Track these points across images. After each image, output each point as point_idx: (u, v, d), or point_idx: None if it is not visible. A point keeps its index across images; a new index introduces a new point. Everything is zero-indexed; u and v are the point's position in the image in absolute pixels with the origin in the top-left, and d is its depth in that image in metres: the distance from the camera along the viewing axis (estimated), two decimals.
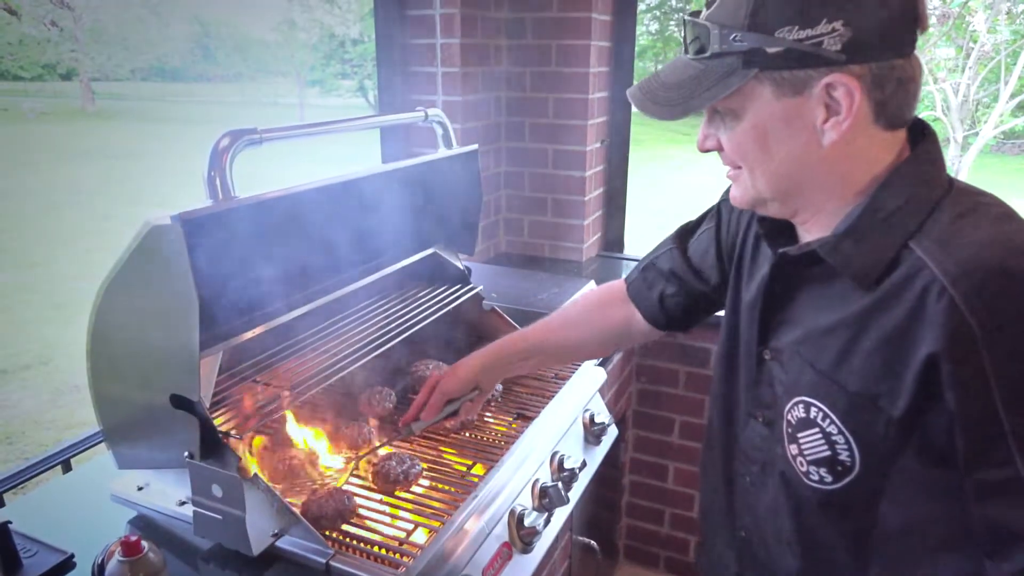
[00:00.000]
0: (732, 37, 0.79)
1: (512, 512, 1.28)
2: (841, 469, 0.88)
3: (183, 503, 1.19)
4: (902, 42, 0.78)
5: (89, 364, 1.14)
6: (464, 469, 1.37)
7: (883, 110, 0.80)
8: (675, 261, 1.22)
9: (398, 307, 1.61)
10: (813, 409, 0.89)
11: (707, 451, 1.17)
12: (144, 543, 0.94)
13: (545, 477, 1.41)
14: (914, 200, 0.81)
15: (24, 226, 9.45)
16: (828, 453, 0.88)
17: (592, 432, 1.63)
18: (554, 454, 1.46)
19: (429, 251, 1.73)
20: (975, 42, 9.32)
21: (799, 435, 0.92)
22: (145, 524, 1.21)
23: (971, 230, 0.77)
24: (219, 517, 1.08)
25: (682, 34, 0.87)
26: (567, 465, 1.45)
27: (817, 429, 0.89)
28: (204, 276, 0.98)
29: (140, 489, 1.25)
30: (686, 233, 1.24)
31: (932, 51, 9.76)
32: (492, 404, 1.57)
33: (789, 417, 0.93)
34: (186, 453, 1.09)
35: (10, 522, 1.06)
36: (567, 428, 1.54)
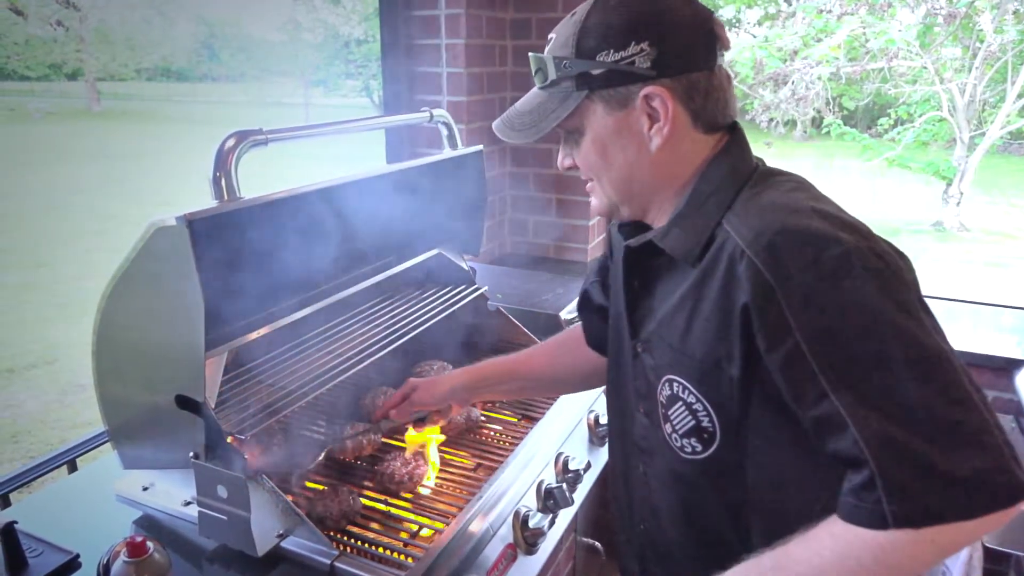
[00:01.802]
0: (563, 65, 0.94)
1: (517, 513, 1.28)
2: (707, 436, 0.95)
3: (188, 503, 1.19)
4: (703, 58, 0.92)
5: (95, 364, 1.15)
6: (469, 470, 1.37)
7: (698, 116, 0.93)
8: (599, 294, 1.25)
9: (403, 308, 1.61)
10: (676, 384, 0.97)
11: (609, 450, 1.22)
12: (150, 544, 0.94)
13: (550, 478, 1.41)
14: (724, 185, 0.94)
15: (30, 226, 9.48)
16: (693, 423, 0.96)
17: (597, 433, 1.63)
18: (558, 455, 1.46)
19: (434, 252, 1.73)
20: (982, 42, 9.28)
21: (669, 412, 0.99)
22: (150, 524, 1.21)
23: (760, 201, 0.89)
24: (224, 517, 1.08)
25: (532, 69, 1.00)
26: (571, 466, 1.45)
27: (681, 402, 0.96)
28: (210, 277, 0.99)
29: (145, 489, 1.25)
30: (603, 264, 1.28)
31: (938, 51, 9.73)
32: (497, 405, 1.57)
33: (661, 398, 1.00)
34: (191, 453, 1.09)
35: (16, 522, 1.06)
36: (571, 429, 1.54)
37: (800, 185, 0.93)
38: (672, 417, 0.98)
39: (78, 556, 1.10)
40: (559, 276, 2.33)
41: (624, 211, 1.02)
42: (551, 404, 1.54)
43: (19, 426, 4.68)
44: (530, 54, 0.99)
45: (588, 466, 1.48)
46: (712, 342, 0.89)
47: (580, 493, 1.48)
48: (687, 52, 0.91)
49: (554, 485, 1.37)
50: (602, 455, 1.65)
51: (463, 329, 1.80)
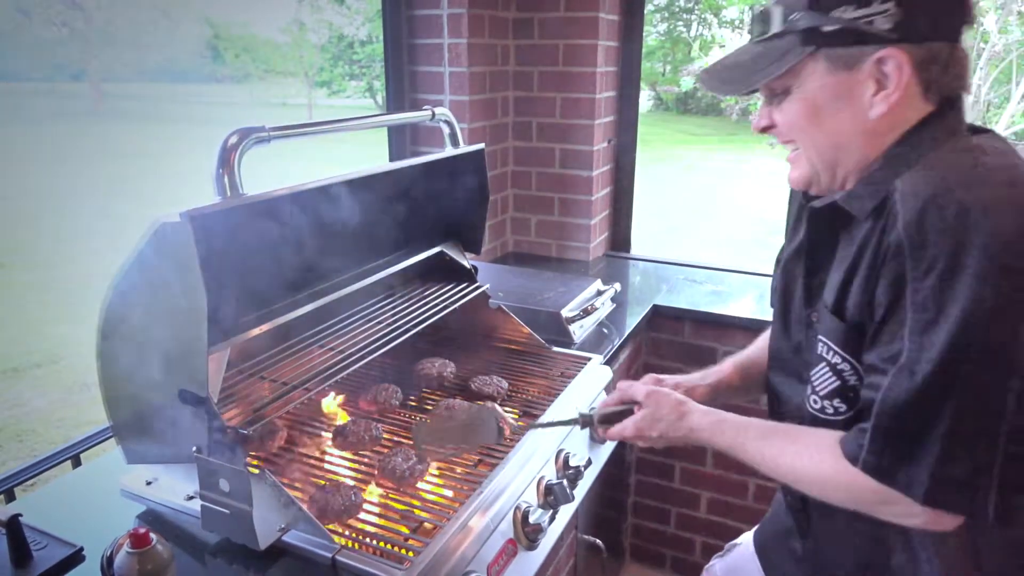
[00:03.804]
0: (792, 17, 0.89)
1: (517, 509, 1.28)
2: (852, 395, 0.96)
3: (191, 497, 1.20)
4: (950, 28, 0.86)
5: (98, 360, 1.16)
6: (469, 466, 1.37)
7: (930, 87, 0.88)
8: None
9: (404, 305, 1.62)
10: (822, 345, 0.97)
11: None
12: (152, 535, 0.94)
13: (550, 475, 1.41)
14: (915, 147, 0.89)
15: (35, 225, 9.51)
16: (837, 383, 0.97)
17: (597, 431, 1.64)
18: (559, 452, 1.46)
19: (436, 249, 1.74)
20: (986, 42, 9.26)
21: (812, 374, 1.00)
22: (154, 518, 1.22)
23: (933, 163, 0.86)
24: (227, 511, 1.08)
25: (748, 22, 0.99)
26: (572, 463, 1.46)
27: (824, 363, 0.98)
28: (213, 273, 0.99)
29: (149, 484, 1.26)
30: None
31: None
32: (498, 401, 1.57)
33: (810, 358, 1.02)
34: (194, 448, 1.10)
35: (20, 515, 1.07)
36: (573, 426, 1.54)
37: (978, 149, 0.87)
38: (814, 379, 1.00)
39: (82, 549, 1.11)
40: (561, 275, 2.34)
41: (824, 180, 0.97)
42: (552, 401, 1.54)
43: (24, 425, 4.69)
44: (754, 7, 1.00)
45: (589, 463, 1.48)
46: (860, 298, 0.90)
47: (580, 490, 1.48)
48: (934, 18, 0.85)
49: (555, 481, 1.38)
50: (603, 453, 1.66)
51: (464, 327, 1.81)
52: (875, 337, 0.89)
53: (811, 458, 0.96)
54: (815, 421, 1.01)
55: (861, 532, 1.04)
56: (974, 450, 0.82)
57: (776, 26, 0.91)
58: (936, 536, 0.94)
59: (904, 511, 0.88)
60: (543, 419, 1.42)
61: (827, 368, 0.97)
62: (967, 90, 0.91)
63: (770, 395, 1.20)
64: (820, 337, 0.98)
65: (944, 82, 0.88)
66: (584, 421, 1.24)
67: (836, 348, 0.95)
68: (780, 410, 1.15)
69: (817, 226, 1.01)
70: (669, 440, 1.13)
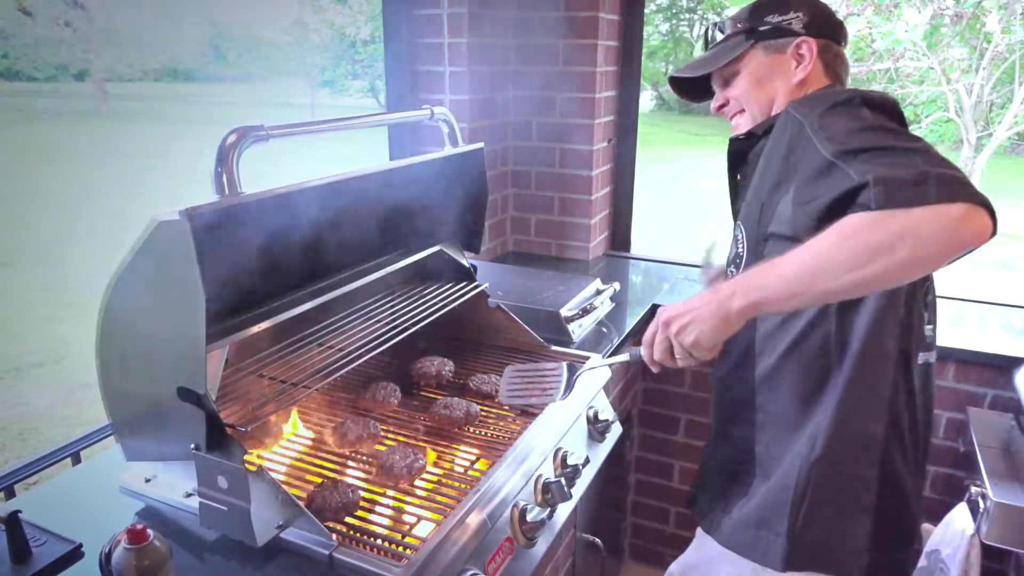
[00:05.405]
0: (739, 24, 1.35)
1: (515, 507, 1.29)
2: (739, 261, 1.29)
3: (190, 495, 1.21)
4: (837, 33, 1.33)
5: (98, 358, 1.16)
6: (467, 464, 1.38)
7: (828, 67, 1.32)
8: None
9: (403, 304, 1.62)
10: (736, 229, 1.32)
11: None
12: (150, 531, 0.95)
13: (548, 473, 1.42)
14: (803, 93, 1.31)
15: (38, 225, 9.53)
16: (733, 252, 1.32)
17: (596, 429, 1.64)
18: (557, 450, 1.46)
19: (435, 248, 1.74)
20: (989, 42, 9.23)
21: (731, 254, 1.35)
22: (152, 515, 1.22)
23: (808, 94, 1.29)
24: (224, 508, 1.09)
25: (706, 36, 1.43)
26: (570, 461, 1.46)
27: (734, 239, 1.32)
28: (211, 271, 1.00)
29: (148, 481, 1.26)
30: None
31: (945, 51, 9.69)
32: (496, 399, 1.58)
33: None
34: (192, 445, 1.10)
35: (20, 512, 1.08)
36: (571, 425, 1.55)
37: (838, 89, 1.27)
38: (729, 253, 1.35)
39: (81, 546, 1.11)
40: (560, 274, 2.34)
41: (759, 123, 1.35)
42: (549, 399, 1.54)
43: (26, 424, 4.71)
44: (711, 22, 1.42)
45: (587, 461, 1.48)
46: (770, 183, 1.20)
47: (579, 488, 1.48)
48: (828, 25, 1.31)
49: (552, 480, 1.38)
50: (601, 451, 1.66)
51: (463, 326, 1.81)
52: (815, 181, 1.07)
53: (839, 225, 1.00)
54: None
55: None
56: (927, 152, 0.99)
57: (728, 30, 1.36)
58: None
59: (925, 228, 0.95)
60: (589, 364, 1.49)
61: (733, 242, 1.32)
62: (846, 82, 1.34)
63: None
64: (737, 223, 1.31)
65: (837, 68, 1.33)
66: (633, 355, 1.28)
67: (738, 222, 1.29)
68: None
69: (734, 151, 1.40)
70: (700, 320, 1.12)
